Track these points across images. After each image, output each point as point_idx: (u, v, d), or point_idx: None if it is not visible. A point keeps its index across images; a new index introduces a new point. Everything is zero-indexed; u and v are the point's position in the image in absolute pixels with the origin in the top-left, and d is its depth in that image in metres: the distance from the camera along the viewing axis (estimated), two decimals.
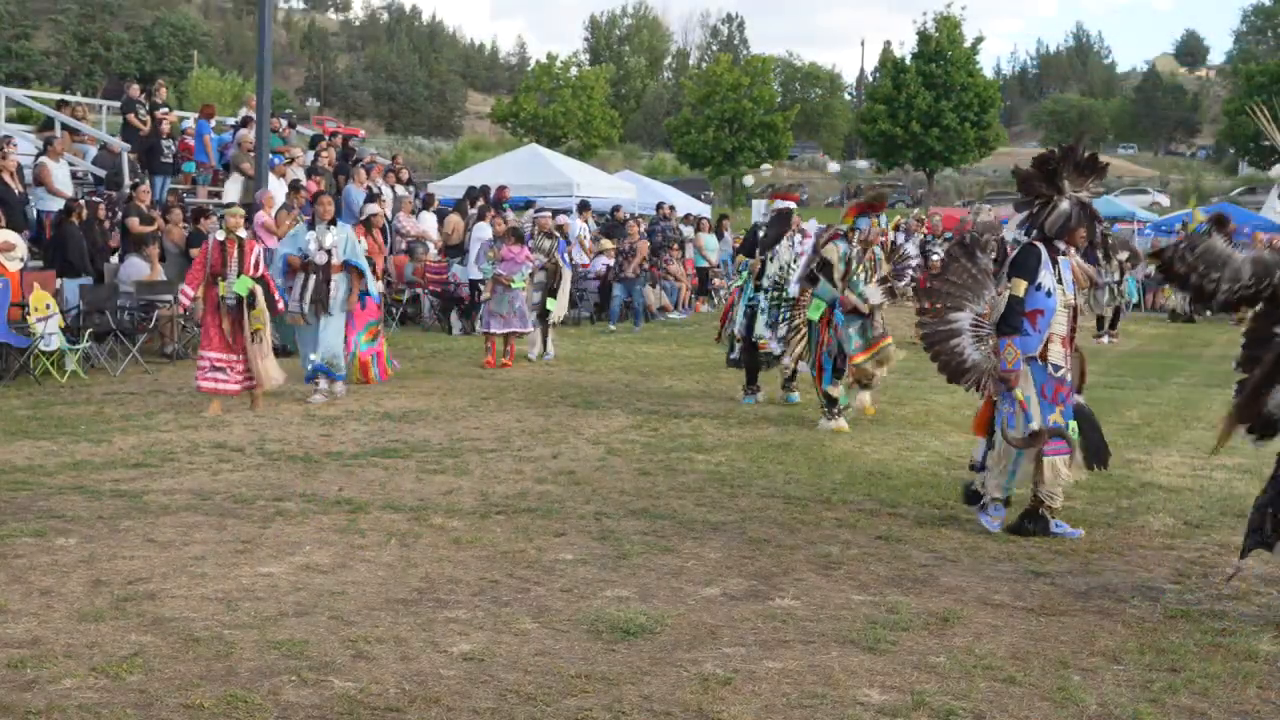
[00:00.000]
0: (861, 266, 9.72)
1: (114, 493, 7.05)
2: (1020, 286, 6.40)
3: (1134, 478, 8.08)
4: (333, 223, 10.78)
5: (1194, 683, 4.44)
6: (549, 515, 6.73)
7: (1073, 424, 6.54)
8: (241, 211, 10.53)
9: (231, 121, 20.33)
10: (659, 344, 16.80)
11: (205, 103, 23.36)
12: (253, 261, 10.11)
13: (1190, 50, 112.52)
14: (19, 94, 21.87)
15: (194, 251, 13.22)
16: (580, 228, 20.56)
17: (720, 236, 25.45)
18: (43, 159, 14.81)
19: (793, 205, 11.38)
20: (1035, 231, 6.55)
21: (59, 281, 12.74)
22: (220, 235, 10.16)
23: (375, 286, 11.60)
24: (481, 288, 13.95)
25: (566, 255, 14.80)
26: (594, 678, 4.32)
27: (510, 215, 16.92)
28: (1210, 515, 7.14)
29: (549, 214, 15.17)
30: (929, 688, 4.31)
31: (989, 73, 63.16)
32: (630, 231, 20.24)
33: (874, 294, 9.72)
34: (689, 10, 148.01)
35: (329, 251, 10.60)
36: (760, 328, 10.79)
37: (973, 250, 6.89)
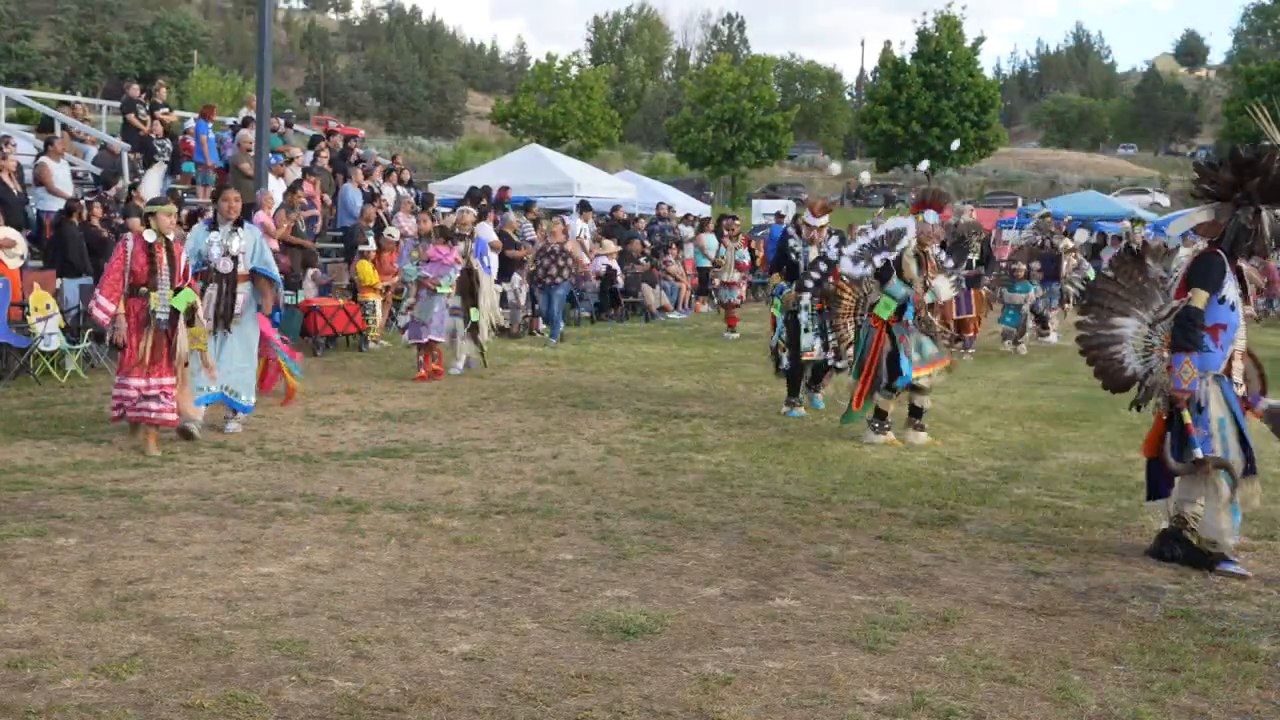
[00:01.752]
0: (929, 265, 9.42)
1: (114, 493, 7.05)
2: (1201, 298, 5.86)
3: (1134, 478, 8.03)
4: (239, 224, 9.28)
5: (1194, 683, 4.44)
6: (549, 515, 6.73)
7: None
8: (174, 210, 8.90)
9: (231, 121, 20.33)
10: (659, 344, 16.81)
11: (205, 103, 23.34)
12: (182, 268, 8.69)
13: (1190, 50, 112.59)
14: (19, 94, 21.88)
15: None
16: (580, 227, 20.58)
17: (720, 236, 25.46)
18: (43, 159, 14.81)
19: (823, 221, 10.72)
20: (1221, 239, 6.01)
21: (59, 281, 12.72)
22: (150, 236, 8.56)
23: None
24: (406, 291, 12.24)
25: (486, 259, 13.31)
26: (594, 678, 4.32)
27: (501, 217, 16.63)
28: None
29: (469, 210, 13.66)
30: (929, 688, 4.31)
31: (989, 73, 63.25)
32: (555, 232, 17.14)
33: (944, 288, 9.35)
34: (689, 10, 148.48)
35: (235, 258, 9.15)
36: (807, 340, 10.47)
37: (1142, 258, 6.38)
